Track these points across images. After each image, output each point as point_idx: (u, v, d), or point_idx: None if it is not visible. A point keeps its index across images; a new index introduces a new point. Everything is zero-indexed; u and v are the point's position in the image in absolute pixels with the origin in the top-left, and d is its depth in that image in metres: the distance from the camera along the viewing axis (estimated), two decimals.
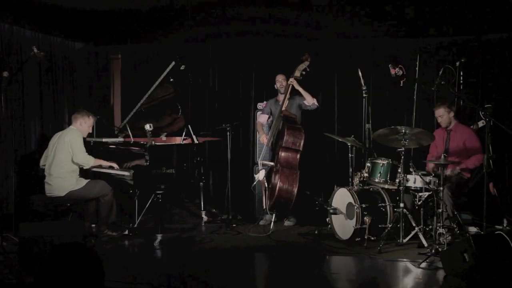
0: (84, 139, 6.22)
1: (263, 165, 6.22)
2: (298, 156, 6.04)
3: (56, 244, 1.91)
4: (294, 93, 6.30)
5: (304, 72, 6.26)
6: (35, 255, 4.42)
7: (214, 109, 7.50)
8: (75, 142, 5.47)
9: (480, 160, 5.33)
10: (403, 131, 5.10)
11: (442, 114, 5.67)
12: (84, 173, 5.64)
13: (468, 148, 5.56)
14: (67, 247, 1.88)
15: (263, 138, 6.41)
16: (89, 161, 5.56)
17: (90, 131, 5.78)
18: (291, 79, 6.22)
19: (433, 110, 5.79)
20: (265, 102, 6.79)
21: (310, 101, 6.22)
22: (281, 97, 6.39)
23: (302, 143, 6.05)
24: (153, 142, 5.69)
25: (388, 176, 5.44)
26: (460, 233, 5.17)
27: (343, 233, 5.51)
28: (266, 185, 6.12)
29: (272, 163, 6.15)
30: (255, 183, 6.29)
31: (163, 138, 6.53)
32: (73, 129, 5.61)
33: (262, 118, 6.61)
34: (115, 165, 5.71)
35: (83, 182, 5.49)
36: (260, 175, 6.11)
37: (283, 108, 6.25)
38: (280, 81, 6.41)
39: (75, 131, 5.58)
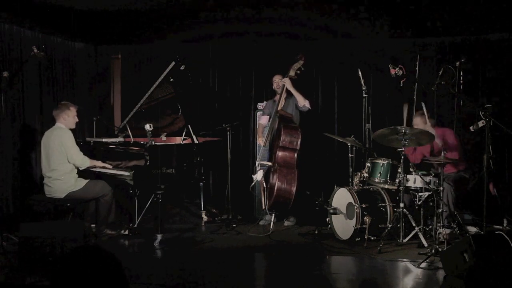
0: (83, 139, 6.21)
1: (261, 165, 6.22)
2: (296, 155, 6.04)
3: (73, 247, 1.79)
4: (290, 93, 6.30)
5: (298, 71, 6.27)
6: (35, 255, 4.41)
7: (214, 109, 7.50)
8: (68, 143, 5.37)
9: (456, 157, 5.45)
10: (403, 131, 5.10)
11: (418, 124, 5.68)
12: (84, 173, 5.63)
13: (448, 143, 5.55)
14: (85, 250, 1.76)
15: (259, 141, 6.43)
16: (85, 163, 5.52)
17: (77, 120, 5.59)
18: (284, 79, 6.23)
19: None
20: (265, 103, 6.80)
21: (301, 102, 6.22)
22: (278, 97, 6.39)
23: (299, 142, 6.04)
24: (153, 142, 5.68)
25: (388, 176, 5.44)
26: (460, 233, 5.17)
27: (343, 233, 5.51)
28: (265, 185, 6.12)
29: (270, 163, 6.14)
30: (253, 183, 6.29)
31: (163, 138, 6.52)
32: (61, 128, 5.43)
33: (263, 120, 6.61)
34: (108, 166, 5.70)
35: (83, 182, 5.47)
36: (259, 176, 6.11)
37: (279, 108, 6.26)
38: (276, 81, 6.42)
39: (64, 130, 5.42)
